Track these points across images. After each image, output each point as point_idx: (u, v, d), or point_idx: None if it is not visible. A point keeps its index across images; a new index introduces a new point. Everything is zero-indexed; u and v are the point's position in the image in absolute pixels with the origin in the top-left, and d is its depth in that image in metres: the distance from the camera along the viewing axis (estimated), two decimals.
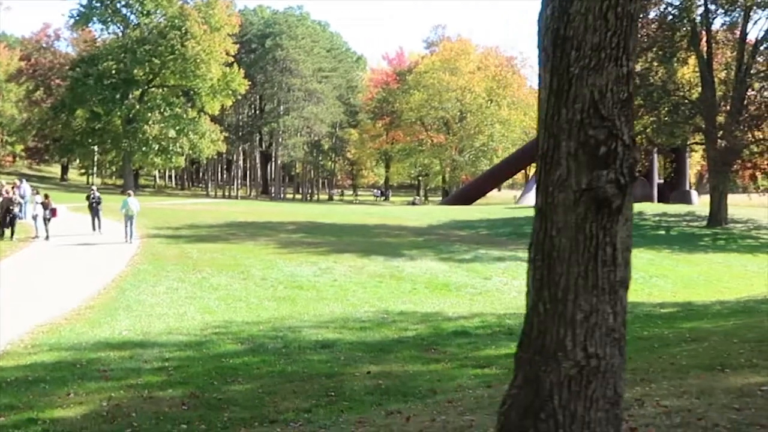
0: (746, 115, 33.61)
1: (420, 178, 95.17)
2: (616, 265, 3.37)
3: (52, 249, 22.65)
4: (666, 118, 35.52)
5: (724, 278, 22.51)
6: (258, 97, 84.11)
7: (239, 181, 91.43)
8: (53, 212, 25.63)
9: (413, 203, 78.81)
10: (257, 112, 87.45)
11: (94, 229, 27.14)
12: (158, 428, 6.74)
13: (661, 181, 49.07)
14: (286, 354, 9.97)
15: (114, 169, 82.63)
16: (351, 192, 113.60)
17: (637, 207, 40.56)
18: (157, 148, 61.79)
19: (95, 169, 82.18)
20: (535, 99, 72.55)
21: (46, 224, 24.89)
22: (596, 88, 3.30)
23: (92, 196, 27.92)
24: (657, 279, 21.22)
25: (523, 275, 19.90)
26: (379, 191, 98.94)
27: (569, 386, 3.31)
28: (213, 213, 38.41)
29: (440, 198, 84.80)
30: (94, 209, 27.40)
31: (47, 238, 24.61)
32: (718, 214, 34.63)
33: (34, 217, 25.10)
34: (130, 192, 29.84)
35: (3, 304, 13.04)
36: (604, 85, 3.30)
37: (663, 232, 32.55)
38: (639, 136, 36.78)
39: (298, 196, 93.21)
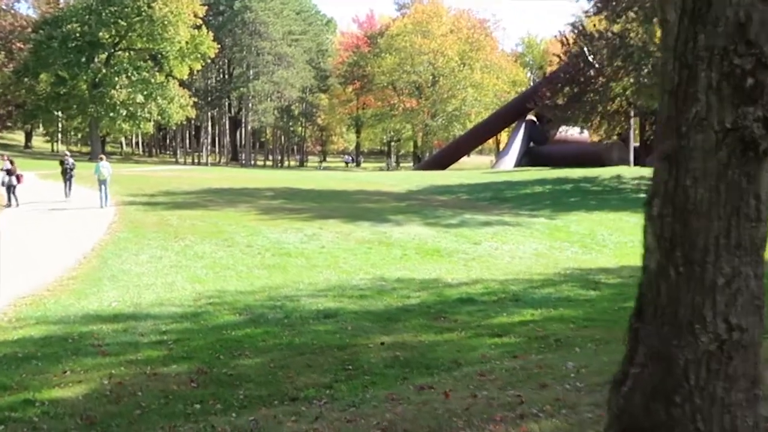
0: None
1: (392, 143, 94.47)
2: (759, 220, 2.84)
3: (25, 217, 21.80)
4: (645, 80, 35.13)
5: None
6: (227, 61, 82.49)
7: (208, 148, 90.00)
8: (18, 179, 24.68)
9: (386, 168, 78.18)
10: (226, 77, 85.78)
11: (66, 195, 26.31)
12: (169, 408, 6.17)
13: (637, 144, 48.83)
14: (289, 325, 9.41)
15: (80, 136, 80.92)
16: (320, 158, 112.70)
17: (615, 171, 40.41)
18: (124, 113, 60.32)
19: (60, 135, 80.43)
20: (506, 62, 71.79)
21: (13, 192, 24.00)
22: (741, 8, 2.74)
23: (66, 161, 27.05)
24: None
25: (512, 240, 19.54)
26: (350, 157, 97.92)
27: (708, 364, 2.80)
28: (186, 180, 37.53)
29: (411, 164, 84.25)
30: (67, 175, 26.51)
31: (17, 205, 23.80)
32: None
33: (4, 184, 24.14)
34: (102, 156, 29.05)
35: None
36: (749, 5, 2.74)
37: (643, 196, 32.24)
38: (618, 99, 36.52)
39: (269, 163, 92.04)
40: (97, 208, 23.61)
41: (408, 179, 40.83)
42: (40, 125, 73.13)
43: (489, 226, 21.98)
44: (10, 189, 23.92)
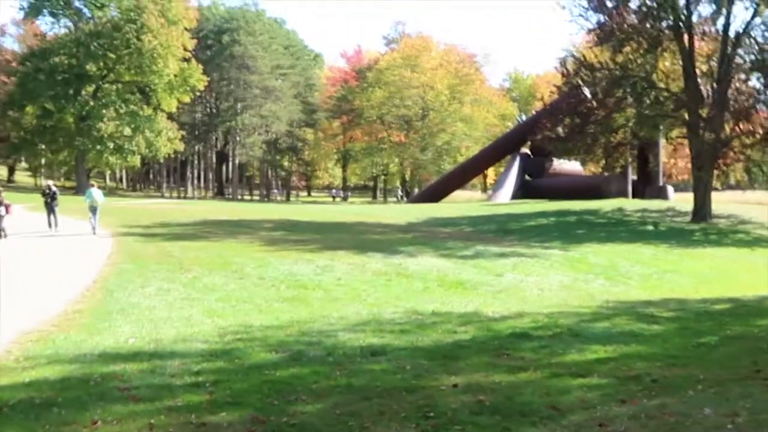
0: (735, 106, 32.74)
1: (382, 177, 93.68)
2: None
3: (17, 249, 20.59)
4: (648, 111, 34.54)
5: (735, 272, 21.46)
6: (214, 95, 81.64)
7: (194, 183, 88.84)
8: (7, 208, 23.59)
9: (376, 202, 77.21)
10: (213, 111, 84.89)
11: (49, 226, 25.13)
12: None
13: (635, 177, 48.28)
14: (336, 363, 8.32)
15: (63, 171, 79.51)
16: (305, 193, 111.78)
17: (616, 203, 39.78)
18: (112, 146, 59.12)
19: (43, 170, 78.95)
20: (495, 96, 71.49)
21: (0, 222, 22.90)
22: None
23: (48, 191, 25.97)
24: (671, 275, 20.03)
25: (534, 271, 18.55)
26: (338, 192, 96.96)
27: None
28: (179, 212, 36.38)
29: (395, 199, 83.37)
30: (49, 205, 25.39)
31: (5, 236, 22.66)
32: (702, 210, 33.73)
33: None
34: (93, 183, 28.39)
35: None
36: None
37: (651, 228, 31.49)
38: (622, 129, 35.85)
39: (255, 197, 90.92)
40: (89, 236, 22.70)
41: (405, 212, 39.90)
42: (23, 160, 71.64)
43: (505, 257, 21.02)
44: None
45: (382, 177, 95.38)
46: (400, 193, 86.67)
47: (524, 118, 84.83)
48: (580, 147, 36.26)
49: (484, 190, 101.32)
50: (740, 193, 51.58)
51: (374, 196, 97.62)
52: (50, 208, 25.32)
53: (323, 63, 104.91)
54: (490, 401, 6.59)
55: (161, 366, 8.11)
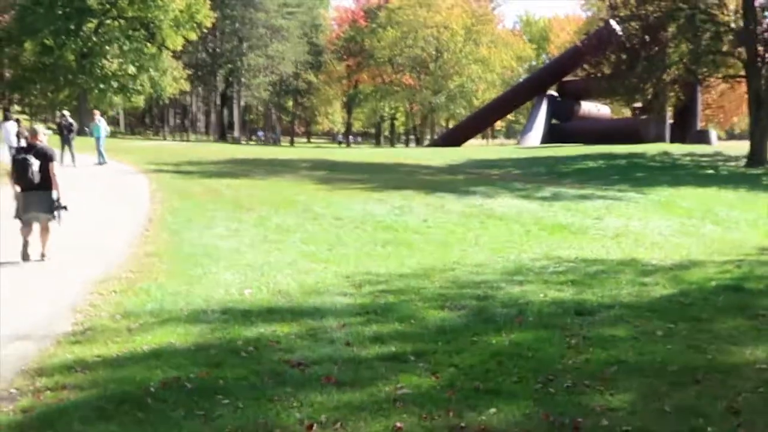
0: None
1: (388, 122, 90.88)
2: None
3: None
4: (709, 45, 32.01)
5: None
6: (218, 34, 78.13)
7: (197, 125, 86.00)
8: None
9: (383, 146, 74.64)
10: (216, 51, 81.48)
11: (62, 161, 22.55)
12: None
13: (671, 120, 45.76)
14: (547, 326, 6.14)
15: (57, 112, 76.40)
16: (305, 139, 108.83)
17: (658, 147, 37.42)
18: (116, 85, 56.14)
19: (35, 110, 75.84)
20: (513, 38, 68.57)
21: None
22: None
23: (63, 122, 23.57)
24: None
25: (633, 215, 16.18)
26: (343, 137, 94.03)
27: None
28: (197, 151, 34.00)
29: (403, 144, 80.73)
30: (65, 137, 22.86)
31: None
32: (759, 153, 31.45)
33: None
34: (96, 112, 27.14)
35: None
36: None
37: (711, 172, 29.27)
38: (675, 66, 33.38)
39: (255, 142, 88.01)
40: (115, 170, 20.66)
41: (437, 154, 37.41)
42: (15, 100, 68.47)
43: (588, 199, 18.75)
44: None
45: (388, 122, 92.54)
46: (413, 136, 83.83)
47: (545, 59, 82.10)
48: (628, 85, 33.68)
49: (494, 137, 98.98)
50: None
51: (378, 142, 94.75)
52: (67, 141, 22.81)
53: (329, 1, 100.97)
54: None
55: (319, 328, 5.92)
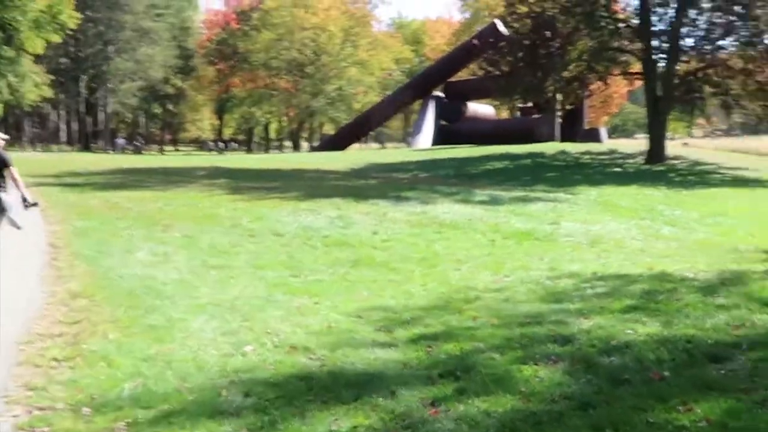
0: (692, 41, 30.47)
1: (261, 128, 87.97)
2: None
3: None
4: (607, 42, 31.67)
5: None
6: (82, 37, 73.18)
7: (59, 135, 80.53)
8: None
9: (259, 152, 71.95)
10: (79, 55, 76.39)
11: None
12: None
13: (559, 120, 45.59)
14: (696, 385, 4.47)
15: None
16: (171, 147, 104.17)
17: (552, 146, 36.97)
18: None
19: None
20: (391, 40, 67.42)
21: None
22: None
23: None
24: (722, 218, 17.01)
25: (588, 219, 15.03)
26: (217, 145, 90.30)
27: None
28: (71, 162, 30.82)
29: (278, 151, 78.22)
30: None
31: None
32: (657, 150, 31.35)
33: None
34: None
35: None
36: None
37: (619, 170, 28.82)
38: (575, 64, 32.94)
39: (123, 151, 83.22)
40: None
41: (331, 159, 35.54)
42: None
43: (529, 202, 17.53)
44: None
45: (262, 127, 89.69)
46: (289, 142, 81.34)
47: (416, 62, 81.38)
48: (528, 83, 32.91)
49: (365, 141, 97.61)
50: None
51: (249, 149, 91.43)
52: None
53: (198, 4, 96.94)
54: None
55: (405, 415, 4.01)
